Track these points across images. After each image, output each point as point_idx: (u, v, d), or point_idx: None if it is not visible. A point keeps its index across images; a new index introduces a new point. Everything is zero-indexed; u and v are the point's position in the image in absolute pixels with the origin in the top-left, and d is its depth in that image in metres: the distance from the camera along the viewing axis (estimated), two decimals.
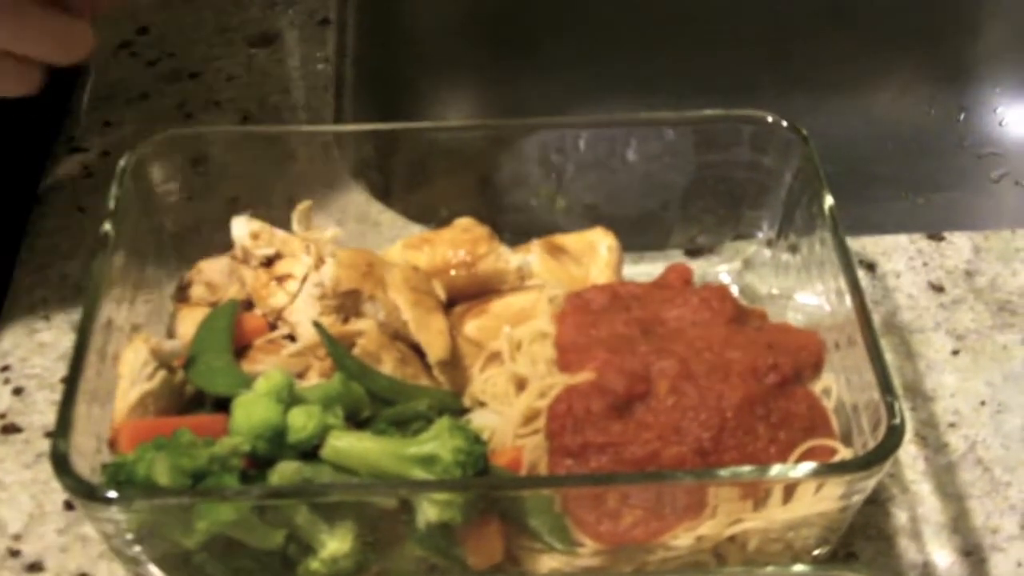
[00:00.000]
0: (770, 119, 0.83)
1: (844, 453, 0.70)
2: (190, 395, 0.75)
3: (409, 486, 0.67)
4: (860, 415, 0.71)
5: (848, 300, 0.73)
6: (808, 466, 0.67)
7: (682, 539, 0.68)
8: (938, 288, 0.90)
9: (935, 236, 0.94)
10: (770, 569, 0.64)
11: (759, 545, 0.69)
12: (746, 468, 0.68)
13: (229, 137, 0.88)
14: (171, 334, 0.80)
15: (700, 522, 0.68)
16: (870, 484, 0.67)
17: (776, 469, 0.67)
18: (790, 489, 0.68)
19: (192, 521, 0.65)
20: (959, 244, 0.93)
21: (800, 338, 0.76)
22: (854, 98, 1.21)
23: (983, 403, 0.83)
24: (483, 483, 0.68)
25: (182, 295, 0.82)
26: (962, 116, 1.22)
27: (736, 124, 0.85)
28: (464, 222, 0.85)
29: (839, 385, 0.73)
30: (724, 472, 0.67)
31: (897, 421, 0.66)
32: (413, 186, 0.90)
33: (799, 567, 0.65)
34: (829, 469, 0.67)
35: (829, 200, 0.78)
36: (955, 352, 0.86)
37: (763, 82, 1.18)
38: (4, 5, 0.74)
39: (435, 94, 1.23)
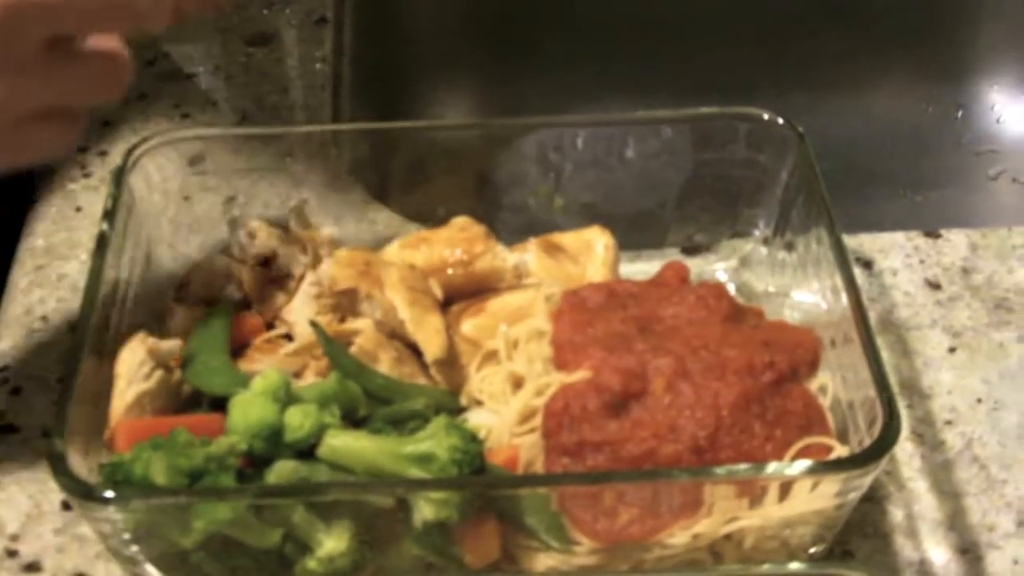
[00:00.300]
0: (766, 117, 0.83)
1: (840, 451, 0.70)
2: (187, 395, 0.75)
3: (405, 485, 0.67)
4: (856, 412, 0.71)
5: (844, 298, 0.73)
6: (804, 464, 0.67)
7: (678, 537, 0.68)
8: (935, 285, 0.90)
9: (932, 233, 0.94)
10: (766, 567, 0.64)
11: (755, 543, 0.69)
12: (742, 466, 0.68)
13: (227, 137, 0.88)
14: (168, 334, 0.80)
15: (696, 520, 0.68)
16: (866, 482, 0.67)
17: (772, 467, 0.67)
18: (786, 487, 0.68)
19: (189, 520, 0.65)
20: (956, 241, 0.93)
21: (796, 336, 0.76)
22: (852, 96, 1.21)
23: (980, 400, 0.83)
24: (479, 481, 0.68)
25: (179, 295, 0.82)
26: (959, 114, 1.22)
27: (732, 122, 0.85)
28: (461, 221, 0.85)
29: (835, 382, 0.73)
30: (720, 470, 0.67)
31: (893, 418, 0.66)
32: (410, 185, 0.90)
33: (795, 565, 0.65)
34: (825, 467, 0.67)
35: (826, 198, 0.78)
36: (952, 349, 0.86)
37: (762, 81, 1.18)
38: (31, 60, 0.66)
39: (433, 94, 1.23)
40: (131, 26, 0.69)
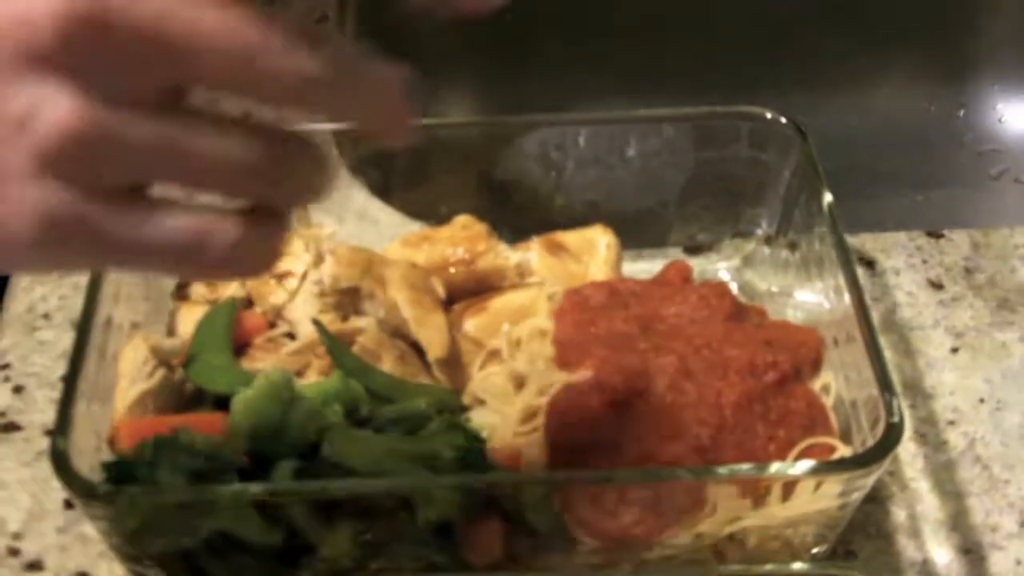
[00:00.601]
0: (769, 116, 0.83)
1: (843, 450, 0.70)
2: (190, 393, 0.75)
3: (408, 484, 0.67)
4: (859, 412, 0.71)
5: (847, 297, 0.73)
6: (807, 464, 0.67)
7: (681, 536, 0.68)
8: (937, 285, 0.90)
9: (934, 233, 0.94)
10: (769, 567, 0.64)
11: (758, 542, 0.69)
12: (745, 466, 0.68)
13: None
14: (171, 332, 0.80)
15: (699, 519, 0.68)
16: (869, 482, 0.67)
17: (775, 467, 0.67)
18: (789, 486, 0.67)
19: (192, 519, 0.65)
20: (958, 241, 0.93)
21: (799, 335, 0.76)
22: (853, 96, 1.21)
23: (982, 400, 0.83)
24: (482, 480, 0.68)
25: (182, 293, 0.82)
26: (962, 113, 1.21)
27: (735, 121, 0.85)
28: (463, 219, 0.85)
29: (838, 382, 0.73)
30: (722, 470, 0.67)
31: (896, 419, 0.66)
32: (412, 183, 0.90)
33: (798, 565, 0.65)
34: (828, 467, 0.67)
35: (828, 197, 0.78)
36: (954, 350, 0.86)
37: (763, 80, 1.18)
38: (136, 95, 0.43)
39: (434, 92, 1.23)
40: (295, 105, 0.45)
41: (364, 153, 0.91)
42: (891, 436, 0.66)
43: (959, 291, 0.90)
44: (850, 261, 0.75)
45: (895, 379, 0.80)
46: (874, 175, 1.16)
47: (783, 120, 0.83)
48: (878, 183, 1.15)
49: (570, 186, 0.89)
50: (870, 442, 0.67)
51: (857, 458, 0.67)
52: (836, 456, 0.70)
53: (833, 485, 0.66)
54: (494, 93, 1.23)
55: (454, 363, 0.78)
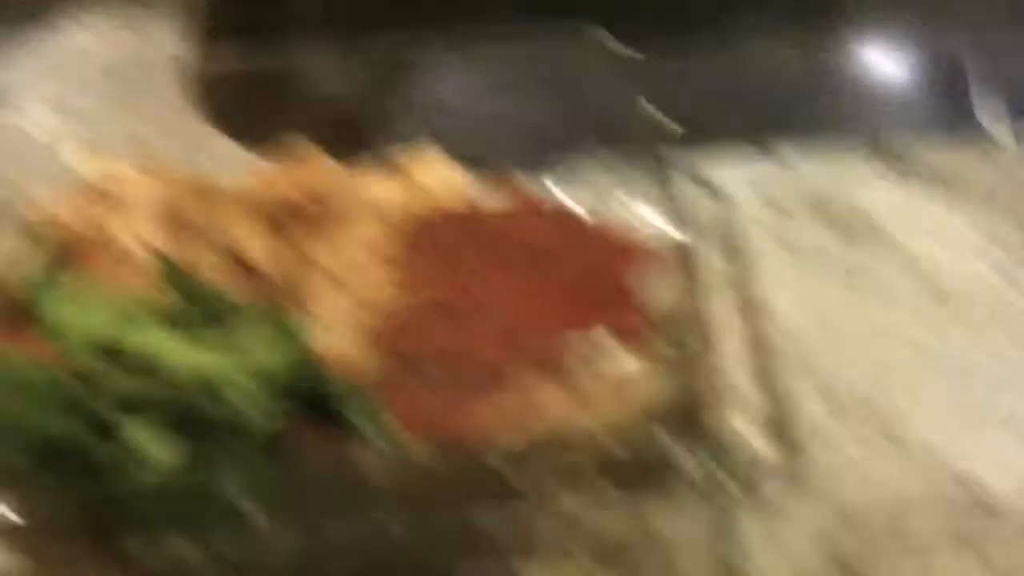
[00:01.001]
0: (603, 39, 0.84)
1: (669, 355, 0.72)
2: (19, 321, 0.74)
3: (238, 394, 0.67)
4: (687, 325, 0.72)
5: (683, 218, 0.75)
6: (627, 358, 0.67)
7: (507, 436, 0.69)
8: (782, 210, 0.91)
9: (780, 160, 0.95)
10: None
11: (582, 444, 0.70)
12: (558, 344, 0.69)
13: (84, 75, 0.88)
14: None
15: (519, 408, 0.68)
16: (694, 384, 0.68)
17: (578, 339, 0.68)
18: (614, 388, 0.68)
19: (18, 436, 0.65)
20: (804, 169, 0.95)
21: (635, 251, 0.78)
22: (713, 34, 1.22)
23: (819, 316, 0.84)
24: (309, 385, 0.68)
25: (26, 231, 0.82)
26: (822, 55, 1.23)
27: (569, 43, 0.85)
28: (309, 152, 0.85)
29: (666, 294, 0.74)
30: (530, 349, 0.69)
31: (711, 318, 0.67)
32: (259, 120, 0.90)
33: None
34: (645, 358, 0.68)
35: (669, 124, 0.79)
36: (794, 269, 0.87)
37: (617, 19, 1.18)
38: None
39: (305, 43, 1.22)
40: None
41: (208, 84, 0.91)
42: (709, 341, 0.67)
43: (803, 215, 0.91)
44: (691, 181, 0.77)
45: (732, 297, 0.81)
46: (728, 112, 1.17)
47: (621, 45, 0.84)
48: (733, 123, 1.17)
49: (411, 112, 0.89)
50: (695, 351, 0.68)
51: (678, 360, 0.68)
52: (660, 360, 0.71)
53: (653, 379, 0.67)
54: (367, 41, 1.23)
55: (294, 288, 0.79)
